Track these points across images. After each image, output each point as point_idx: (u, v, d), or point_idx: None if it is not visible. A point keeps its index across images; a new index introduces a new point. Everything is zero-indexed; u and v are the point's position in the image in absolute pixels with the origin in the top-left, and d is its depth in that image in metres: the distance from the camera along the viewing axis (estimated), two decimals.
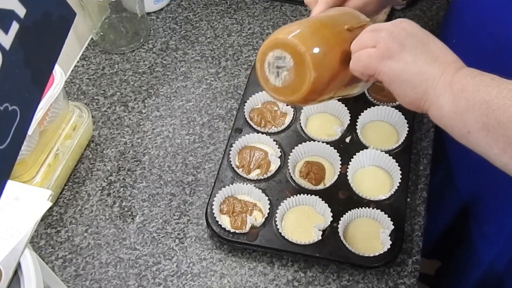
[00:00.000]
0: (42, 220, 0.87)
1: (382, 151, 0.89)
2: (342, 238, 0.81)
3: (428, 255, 1.19)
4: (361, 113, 0.94)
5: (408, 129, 0.91)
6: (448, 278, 1.12)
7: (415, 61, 0.61)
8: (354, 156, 0.89)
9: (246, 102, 0.96)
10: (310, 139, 0.92)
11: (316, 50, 0.67)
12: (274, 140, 0.91)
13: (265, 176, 0.88)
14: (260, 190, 0.86)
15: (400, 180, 0.86)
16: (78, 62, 1.09)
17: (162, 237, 0.86)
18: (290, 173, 0.88)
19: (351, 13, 0.77)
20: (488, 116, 0.56)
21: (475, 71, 0.60)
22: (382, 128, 0.94)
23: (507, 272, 0.90)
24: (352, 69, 0.66)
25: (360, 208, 0.84)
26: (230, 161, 0.89)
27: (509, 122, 0.55)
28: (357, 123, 0.93)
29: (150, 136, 0.98)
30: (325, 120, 0.96)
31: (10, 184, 0.54)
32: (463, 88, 0.58)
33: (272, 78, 0.72)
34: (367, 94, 0.99)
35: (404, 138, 0.91)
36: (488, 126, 0.56)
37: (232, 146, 0.91)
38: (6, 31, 0.38)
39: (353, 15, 0.76)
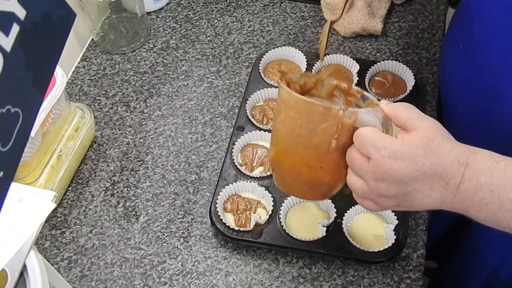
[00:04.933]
0: (46, 221, 0.87)
1: None
2: (346, 234, 0.81)
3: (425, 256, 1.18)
4: None
5: None
6: (448, 282, 1.11)
7: (414, 206, 0.62)
8: None
9: (247, 100, 0.96)
10: None
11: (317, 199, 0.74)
12: None
13: (268, 173, 0.88)
14: (264, 188, 0.86)
15: None
16: (79, 63, 1.09)
17: (166, 236, 0.86)
18: None
19: (319, 112, 0.60)
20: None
21: (473, 187, 0.58)
22: None
23: None
24: None
25: None
26: (233, 159, 0.89)
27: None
28: None
29: (152, 136, 0.98)
30: None
31: (14, 186, 0.54)
32: (466, 211, 0.60)
33: None
34: (368, 89, 0.98)
35: None
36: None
37: (234, 144, 0.91)
38: (6, 34, 0.38)
39: (323, 116, 0.60)
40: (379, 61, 1.01)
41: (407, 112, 0.61)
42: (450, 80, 0.66)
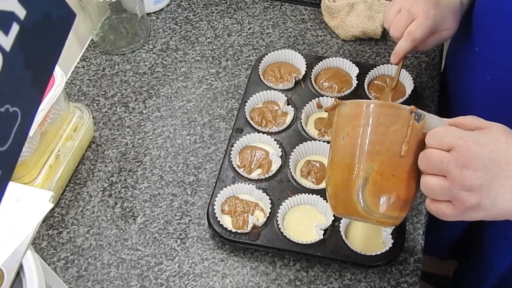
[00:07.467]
0: (43, 221, 0.87)
1: None
2: (343, 237, 0.81)
3: (445, 257, 1.18)
4: None
5: None
6: (466, 279, 1.11)
7: (495, 205, 0.58)
8: None
9: (246, 102, 0.96)
10: (311, 139, 0.92)
11: (390, 213, 0.63)
12: (275, 140, 0.91)
13: (266, 175, 0.88)
14: (262, 190, 0.86)
15: None
16: (78, 63, 1.09)
17: (163, 237, 0.86)
18: (291, 173, 0.88)
19: (389, 113, 0.62)
20: None
21: None
22: None
23: None
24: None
25: None
26: (231, 161, 0.89)
27: None
28: None
29: (151, 137, 0.98)
30: (325, 119, 0.96)
31: (11, 186, 0.54)
32: None
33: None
34: (367, 93, 0.99)
35: None
36: None
37: (233, 146, 0.91)
38: (6, 33, 0.38)
39: (393, 117, 0.61)
40: (379, 65, 1.01)
41: (474, 118, 0.61)
42: (463, 83, 0.64)
